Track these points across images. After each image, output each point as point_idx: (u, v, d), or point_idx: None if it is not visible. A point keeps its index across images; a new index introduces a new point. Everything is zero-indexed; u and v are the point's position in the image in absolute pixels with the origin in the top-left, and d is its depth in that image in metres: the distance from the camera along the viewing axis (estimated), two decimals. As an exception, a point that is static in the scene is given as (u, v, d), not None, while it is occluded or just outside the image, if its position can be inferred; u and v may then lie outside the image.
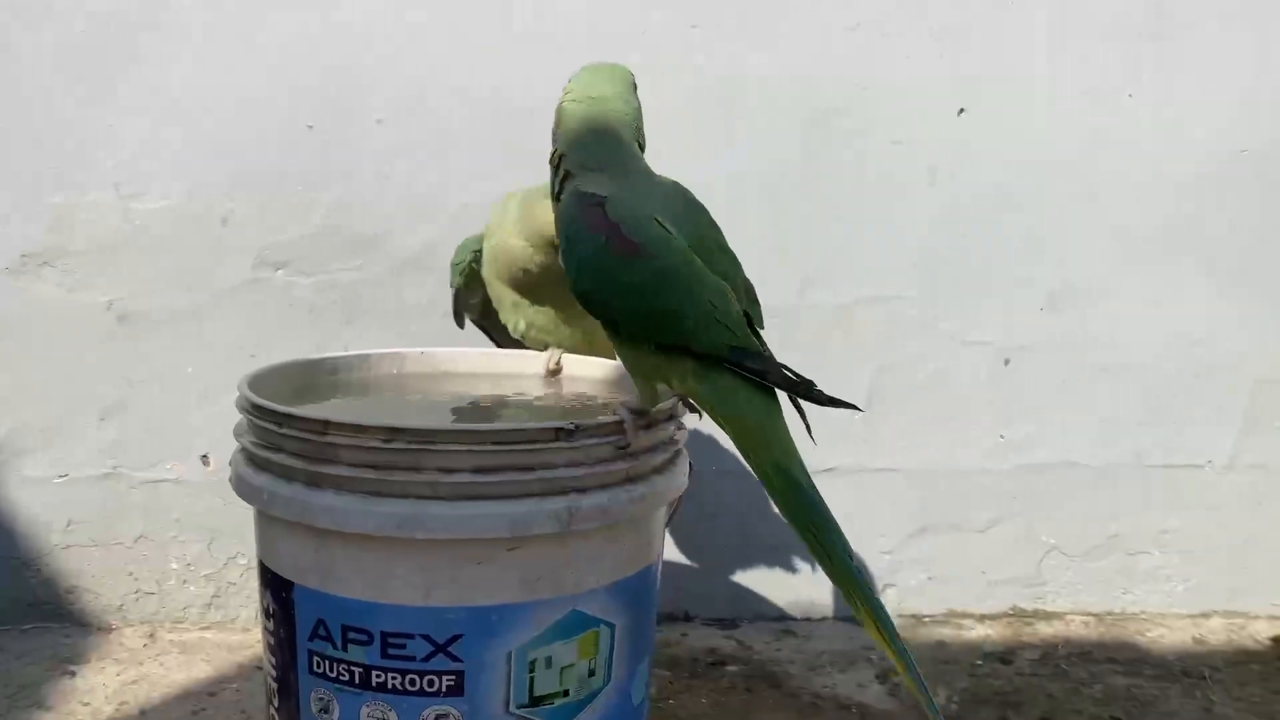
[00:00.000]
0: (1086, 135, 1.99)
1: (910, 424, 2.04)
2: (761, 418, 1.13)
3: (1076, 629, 2.07)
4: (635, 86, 1.29)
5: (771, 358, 1.14)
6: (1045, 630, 2.06)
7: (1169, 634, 2.06)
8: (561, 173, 1.21)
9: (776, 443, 1.13)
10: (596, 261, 1.12)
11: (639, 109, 1.28)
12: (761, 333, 1.19)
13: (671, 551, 2.01)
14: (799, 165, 1.95)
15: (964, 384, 2.04)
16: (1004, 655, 1.95)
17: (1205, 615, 2.13)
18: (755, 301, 1.21)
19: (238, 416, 1.24)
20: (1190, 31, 1.97)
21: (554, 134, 1.25)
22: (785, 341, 1.98)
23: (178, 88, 1.85)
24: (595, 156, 1.19)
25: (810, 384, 1.13)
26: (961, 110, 1.92)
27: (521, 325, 1.55)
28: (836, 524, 1.13)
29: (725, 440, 1.99)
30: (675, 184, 1.22)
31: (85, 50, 1.82)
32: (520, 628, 1.11)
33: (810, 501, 1.13)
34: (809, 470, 1.16)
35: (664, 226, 1.12)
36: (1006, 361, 1.98)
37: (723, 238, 1.21)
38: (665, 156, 1.89)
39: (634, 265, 1.10)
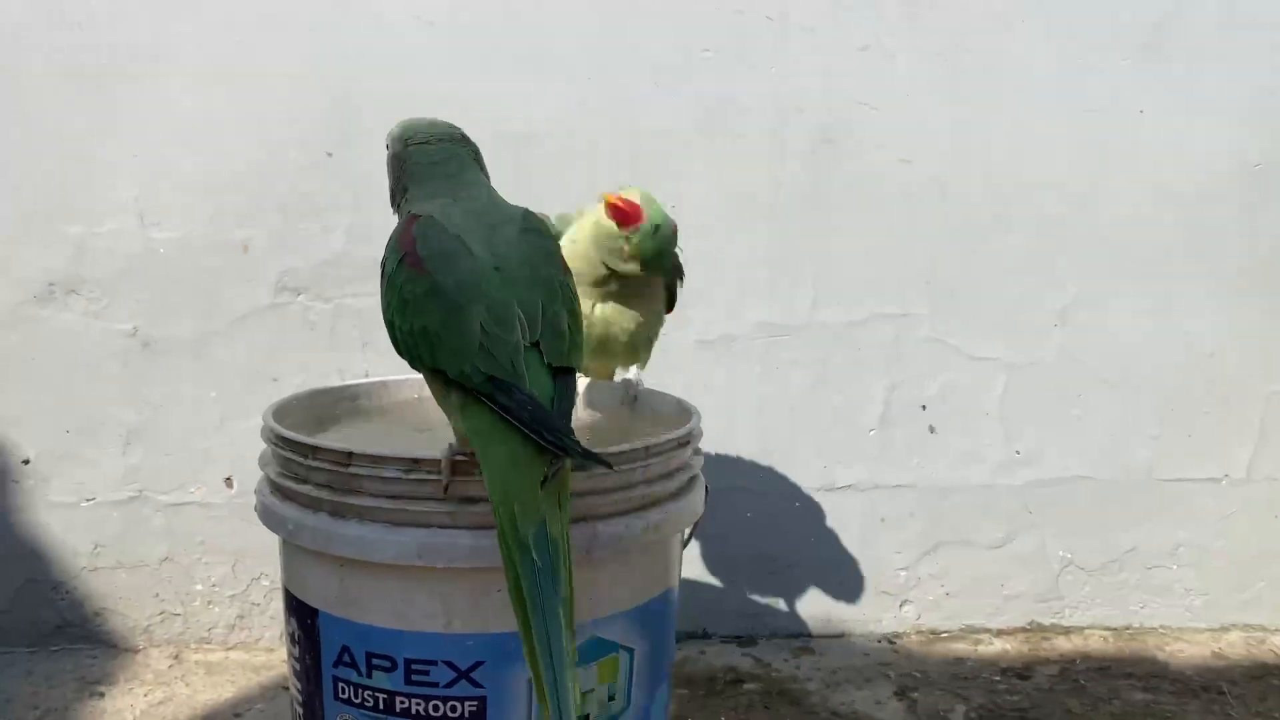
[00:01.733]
0: (1094, 151, 2.00)
1: (922, 440, 2.05)
2: (507, 465, 1.00)
3: (1094, 644, 2.07)
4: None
5: (532, 399, 1.00)
6: (1063, 645, 2.07)
7: (1188, 648, 2.06)
8: (405, 212, 1.18)
9: (518, 498, 0.99)
10: (392, 278, 1.10)
11: (477, 147, 1.26)
12: (575, 373, 1.08)
13: (689, 569, 2.02)
14: (808, 184, 1.97)
15: (975, 399, 2.05)
16: (1021, 671, 1.96)
17: (1224, 629, 2.13)
18: (561, 336, 1.06)
19: (259, 439, 1.27)
20: (1194, 47, 1.99)
21: (396, 181, 1.22)
22: (797, 359, 2.01)
23: (196, 117, 1.88)
24: (438, 187, 1.18)
25: (565, 434, 0.99)
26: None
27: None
28: (560, 621, 0.99)
29: (741, 456, 2.02)
30: (523, 212, 1.16)
31: (104, 82, 1.85)
32: (540, 654, 1.13)
33: (535, 579, 0.98)
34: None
35: (466, 246, 1.07)
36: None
37: (555, 271, 1.11)
38: (675, 177, 1.94)
39: (415, 281, 1.06)
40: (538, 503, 1.00)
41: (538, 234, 1.13)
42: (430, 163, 1.21)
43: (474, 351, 1.02)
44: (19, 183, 1.86)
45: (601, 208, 1.39)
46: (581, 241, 1.45)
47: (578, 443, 0.98)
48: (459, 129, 1.26)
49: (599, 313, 1.46)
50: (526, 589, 0.99)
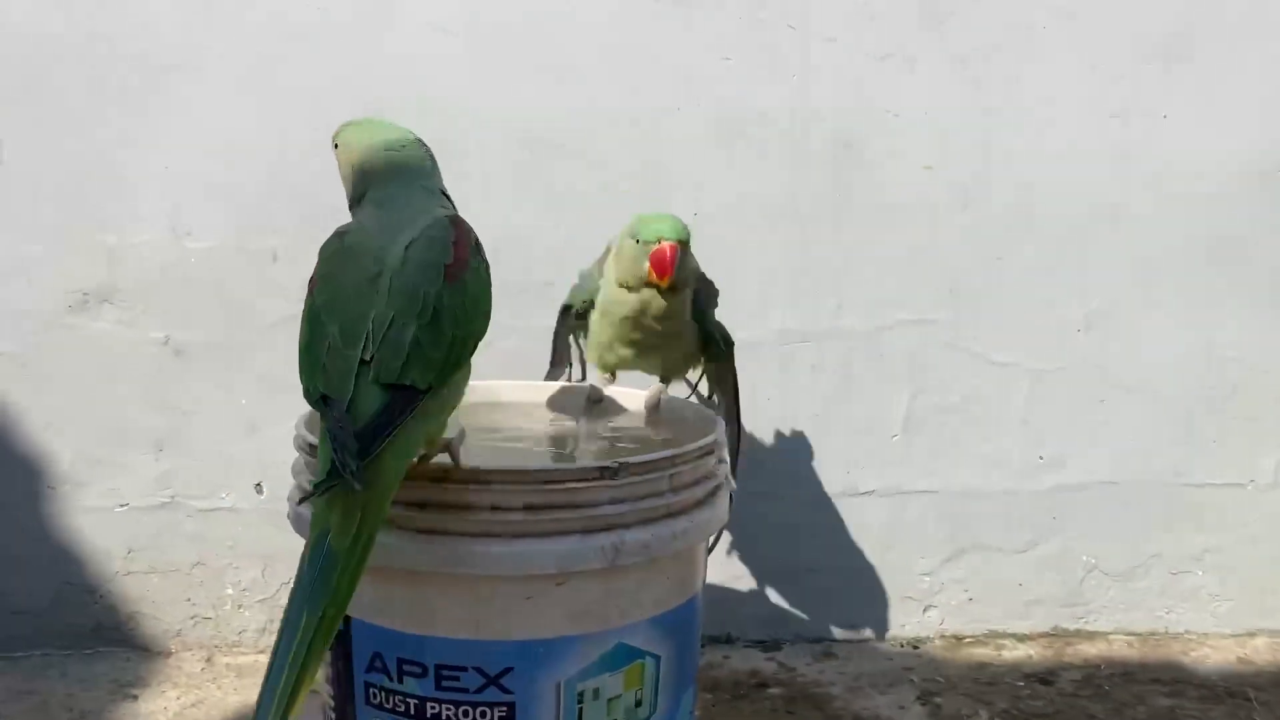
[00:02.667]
0: (1116, 156, 2.00)
1: (945, 446, 2.06)
2: (318, 479, 1.02)
3: (1119, 649, 2.07)
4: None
5: (343, 415, 0.99)
6: (1087, 650, 2.06)
7: (1213, 654, 2.05)
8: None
9: (313, 507, 1.04)
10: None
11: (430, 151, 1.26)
12: (416, 390, 1.03)
13: (713, 574, 2.03)
14: (830, 192, 1.98)
15: (998, 405, 2.05)
16: (1045, 676, 1.96)
17: (1250, 635, 2.12)
18: (399, 351, 1.02)
19: (290, 445, 1.29)
20: (1218, 51, 1.98)
21: (358, 185, 1.23)
22: (818, 366, 2.02)
23: (224, 128, 1.90)
24: (388, 194, 1.19)
25: (349, 453, 0.97)
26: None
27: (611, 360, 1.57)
28: (295, 630, 1.00)
29: (763, 463, 2.03)
30: (430, 221, 1.13)
31: (136, 94, 1.88)
32: (568, 660, 1.15)
33: (296, 584, 1.02)
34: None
35: (357, 261, 1.08)
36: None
37: (429, 282, 1.06)
38: (695, 185, 1.95)
39: (306, 301, 1.11)
40: (324, 514, 1.02)
41: (429, 244, 1.10)
42: (393, 168, 1.21)
43: (317, 370, 1.04)
44: (54, 194, 1.89)
45: (628, 241, 1.43)
46: (609, 286, 1.49)
47: (348, 465, 0.97)
48: (413, 132, 1.27)
49: (638, 363, 1.53)
50: (291, 590, 1.02)
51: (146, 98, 1.89)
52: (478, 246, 1.15)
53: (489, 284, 1.16)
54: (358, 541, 1.01)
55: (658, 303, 1.45)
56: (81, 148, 1.89)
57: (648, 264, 1.40)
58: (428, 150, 1.26)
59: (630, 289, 1.45)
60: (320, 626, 1.00)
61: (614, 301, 1.49)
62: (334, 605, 1.01)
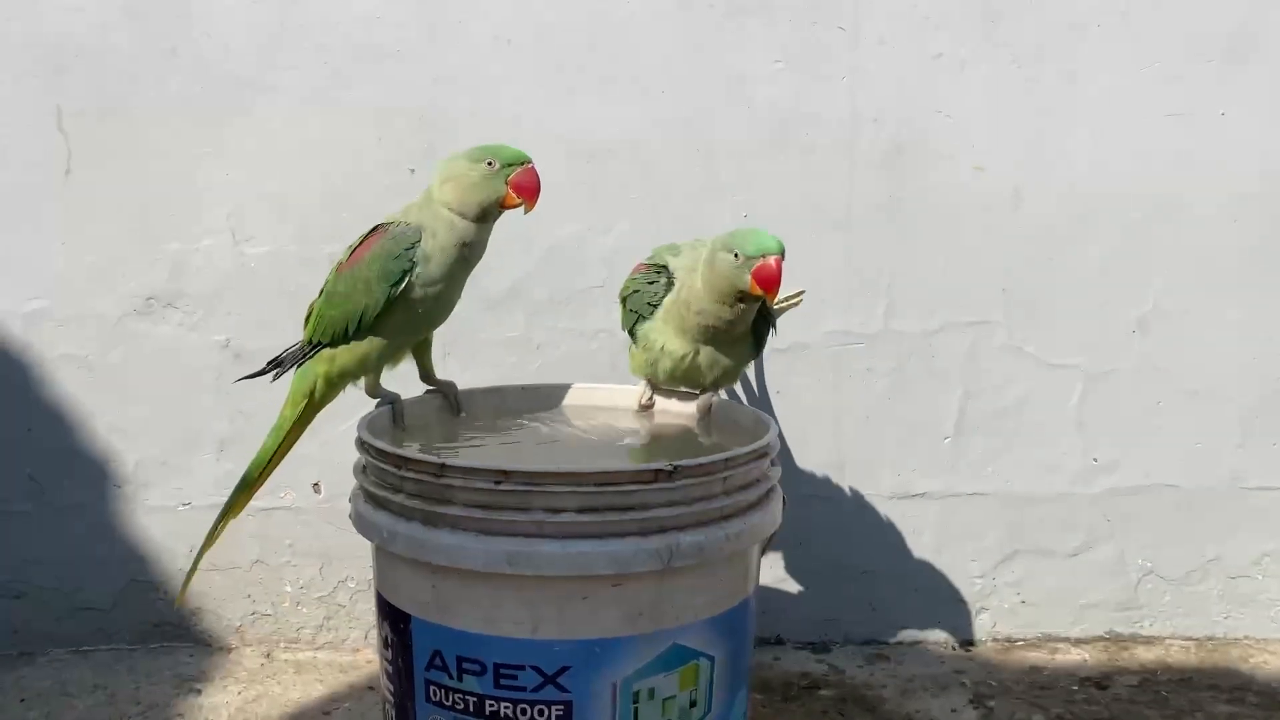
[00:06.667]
0: (1172, 156, 1.98)
1: (998, 448, 2.04)
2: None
3: (1175, 654, 2.04)
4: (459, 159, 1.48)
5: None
6: (1143, 655, 2.04)
7: (1272, 660, 2.02)
8: None
9: None
10: None
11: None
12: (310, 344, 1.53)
13: (763, 575, 2.03)
14: (881, 193, 1.98)
15: (1051, 408, 2.04)
16: (1100, 680, 1.94)
17: (1311, 640, 2.09)
18: (309, 315, 1.56)
19: (346, 446, 1.32)
20: (1277, 49, 1.95)
21: None
22: (871, 368, 2.01)
23: (291, 142, 1.95)
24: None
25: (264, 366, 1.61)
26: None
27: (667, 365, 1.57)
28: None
29: (815, 465, 2.04)
30: (370, 230, 1.50)
31: (201, 107, 1.93)
32: (624, 660, 1.17)
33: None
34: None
35: None
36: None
37: (332, 271, 1.52)
38: (748, 188, 1.96)
39: None
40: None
41: (347, 247, 1.51)
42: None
43: None
44: (127, 205, 1.95)
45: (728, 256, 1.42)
46: (689, 294, 1.49)
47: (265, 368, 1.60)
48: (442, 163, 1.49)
49: (699, 357, 1.52)
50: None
51: (222, 116, 1.94)
52: (381, 249, 1.43)
53: (374, 276, 1.42)
54: (282, 420, 1.56)
55: (746, 314, 1.48)
56: (147, 158, 1.94)
57: (749, 277, 1.40)
58: (445, 169, 1.47)
59: (722, 302, 1.45)
60: (252, 468, 1.56)
61: (696, 312, 1.48)
62: (262, 455, 1.55)
